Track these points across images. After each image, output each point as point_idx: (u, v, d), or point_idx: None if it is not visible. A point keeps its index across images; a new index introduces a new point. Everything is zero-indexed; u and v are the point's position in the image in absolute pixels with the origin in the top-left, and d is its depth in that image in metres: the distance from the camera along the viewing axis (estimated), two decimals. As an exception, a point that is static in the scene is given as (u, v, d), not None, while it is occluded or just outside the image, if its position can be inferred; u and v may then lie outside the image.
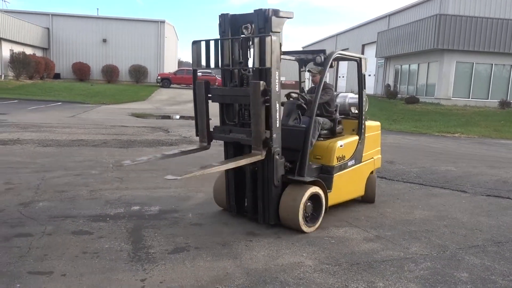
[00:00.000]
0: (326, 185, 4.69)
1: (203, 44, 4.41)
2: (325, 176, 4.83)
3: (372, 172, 5.72)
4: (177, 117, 17.80)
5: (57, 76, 34.74)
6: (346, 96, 5.90)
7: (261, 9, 4.16)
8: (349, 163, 5.15)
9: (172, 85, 34.56)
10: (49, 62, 33.21)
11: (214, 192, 5.13)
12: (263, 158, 4.22)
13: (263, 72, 4.20)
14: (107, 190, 5.78)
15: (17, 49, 29.68)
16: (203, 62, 4.44)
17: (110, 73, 35.70)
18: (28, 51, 31.25)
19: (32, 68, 29.26)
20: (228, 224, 4.65)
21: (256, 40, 4.06)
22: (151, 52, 37.88)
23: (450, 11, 24.19)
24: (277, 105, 4.22)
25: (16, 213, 4.68)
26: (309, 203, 4.44)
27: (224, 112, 4.68)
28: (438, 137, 14.86)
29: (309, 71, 5.35)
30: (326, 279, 3.45)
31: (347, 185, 5.18)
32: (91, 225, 4.43)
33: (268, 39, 4.01)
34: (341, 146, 4.98)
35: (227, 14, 4.45)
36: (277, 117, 4.24)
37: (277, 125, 4.26)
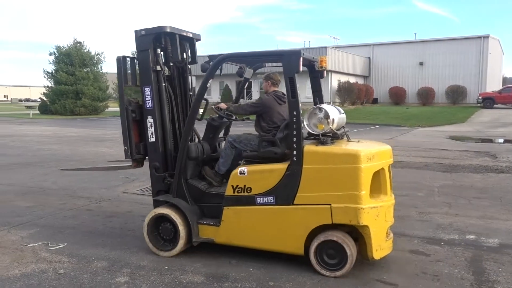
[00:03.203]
0: (218, 217, 4.11)
1: None
2: (219, 206, 4.13)
3: (339, 227, 3.70)
4: (501, 140, 15.77)
5: (375, 100, 37.36)
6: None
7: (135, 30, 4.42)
8: (260, 200, 3.89)
9: (495, 105, 30.97)
10: (368, 88, 36.21)
11: None
12: (131, 168, 4.67)
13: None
14: (436, 213, 5.70)
15: (343, 79, 33.80)
16: None
17: (425, 95, 35.41)
18: (352, 79, 35.03)
19: (355, 95, 32.77)
20: None
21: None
22: (471, 70, 35.30)
23: None
24: (151, 120, 4.39)
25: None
26: (167, 225, 4.22)
27: None
28: None
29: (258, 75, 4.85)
30: None
31: (256, 228, 3.97)
32: (426, 246, 4.47)
33: (118, 58, 4.41)
34: (242, 173, 3.97)
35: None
36: (153, 132, 4.41)
37: (150, 140, 4.43)
